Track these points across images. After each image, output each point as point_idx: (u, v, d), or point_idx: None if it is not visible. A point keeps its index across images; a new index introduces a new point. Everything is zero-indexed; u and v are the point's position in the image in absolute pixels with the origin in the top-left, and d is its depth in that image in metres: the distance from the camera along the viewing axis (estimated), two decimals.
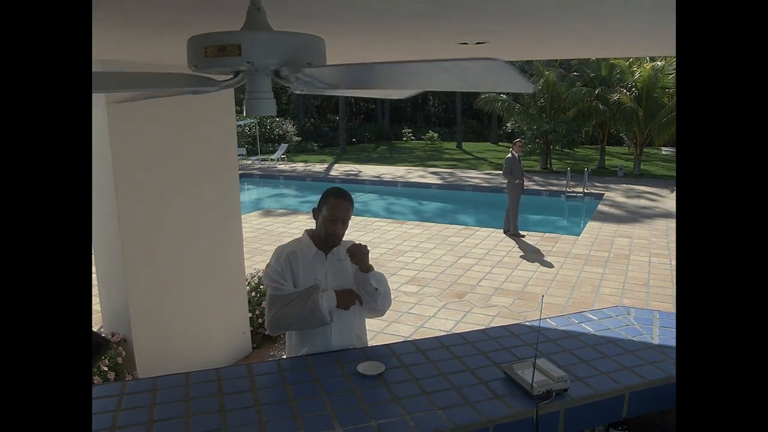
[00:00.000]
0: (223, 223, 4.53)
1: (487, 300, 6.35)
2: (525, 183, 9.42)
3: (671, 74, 16.64)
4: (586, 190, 14.23)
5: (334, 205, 2.19)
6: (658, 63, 17.00)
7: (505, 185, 9.61)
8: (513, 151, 9.13)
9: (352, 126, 31.13)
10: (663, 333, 2.44)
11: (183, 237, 4.13)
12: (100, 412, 1.82)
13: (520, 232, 9.37)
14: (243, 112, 1.60)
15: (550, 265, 7.69)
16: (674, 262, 5.97)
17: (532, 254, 8.25)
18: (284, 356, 2.44)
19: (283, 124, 26.74)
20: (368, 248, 2.26)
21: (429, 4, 1.91)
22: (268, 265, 2.27)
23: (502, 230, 9.60)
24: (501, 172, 9.56)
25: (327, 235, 2.21)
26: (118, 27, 2.23)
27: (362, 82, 1.50)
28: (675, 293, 3.88)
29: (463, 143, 27.69)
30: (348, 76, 1.45)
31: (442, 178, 17.19)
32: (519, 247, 8.72)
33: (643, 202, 12.73)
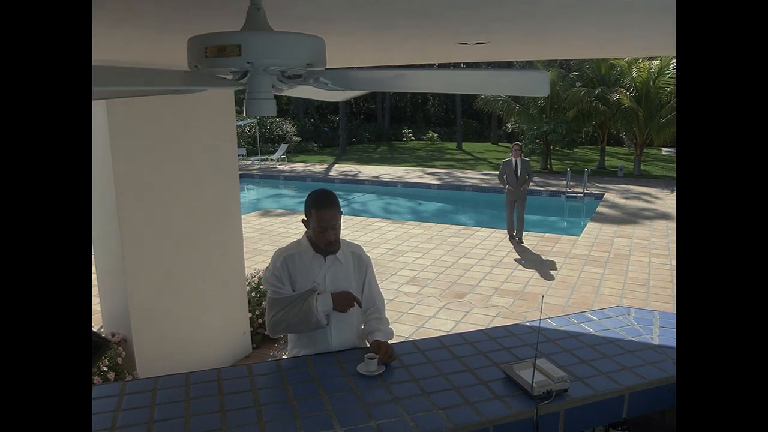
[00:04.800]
0: (223, 223, 4.53)
1: (487, 300, 6.34)
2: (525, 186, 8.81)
3: (669, 74, 16.62)
4: (586, 191, 14.22)
5: (319, 217, 2.17)
6: (655, 62, 16.98)
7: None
8: (511, 155, 8.78)
9: (352, 126, 31.12)
10: (663, 333, 2.44)
11: (183, 237, 4.13)
12: (100, 412, 1.82)
13: (514, 234, 9.08)
14: (243, 112, 1.60)
15: (552, 267, 7.69)
16: (674, 262, 5.97)
17: (531, 259, 8.25)
18: (284, 356, 2.44)
19: (283, 124, 26.73)
20: (393, 351, 2.21)
21: (429, 4, 1.91)
22: (266, 269, 2.28)
23: (500, 231, 9.56)
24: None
25: (325, 245, 2.21)
26: (118, 27, 2.23)
27: (402, 86, 1.51)
28: (675, 293, 3.88)
29: (463, 143, 27.69)
30: (387, 79, 1.46)
31: (441, 179, 17.19)
32: (515, 250, 8.56)
33: (642, 203, 12.73)
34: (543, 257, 8.14)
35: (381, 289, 2.47)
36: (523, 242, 8.93)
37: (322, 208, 2.17)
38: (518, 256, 8.18)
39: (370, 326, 2.35)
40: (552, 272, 7.39)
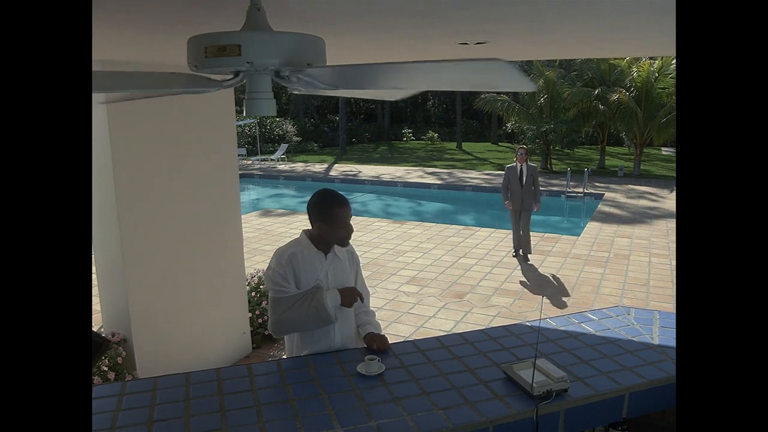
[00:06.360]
0: (223, 223, 4.53)
1: (487, 300, 6.34)
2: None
3: (669, 74, 16.63)
4: (586, 191, 14.23)
5: (343, 216, 2.24)
6: (653, 62, 16.98)
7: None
8: (515, 160, 7.80)
9: (352, 126, 31.10)
10: (663, 333, 2.44)
11: (183, 237, 4.13)
12: (100, 412, 1.82)
13: (529, 254, 8.05)
14: (243, 112, 1.60)
15: (553, 267, 7.68)
16: (674, 262, 5.97)
17: (532, 260, 8.22)
18: (284, 356, 2.45)
19: (283, 124, 26.74)
20: (388, 341, 2.33)
21: (429, 4, 1.91)
22: (269, 268, 2.27)
23: (500, 231, 9.53)
24: (502, 172, 8.53)
25: (341, 240, 2.29)
26: (118, 27, 2.23)
27: (364, 82, 1.49)
28: (675, 293, 3.88)
29: (463, 143, 27.68)
30: (350, 76, 1.45)
31: (442, 179, 17.19)
32: (521, 270, 7.49)
33: (643, 203, 12.73)
34: (551, 284, 7.95)
35: (378, 288, 2.51)
36: (529, 260, 7.96)
37: (345, 205, 2.26)
38: (520, 263, 8.17)
39: (359, 319, 2.44)
40: (552, 272, 7.39)
